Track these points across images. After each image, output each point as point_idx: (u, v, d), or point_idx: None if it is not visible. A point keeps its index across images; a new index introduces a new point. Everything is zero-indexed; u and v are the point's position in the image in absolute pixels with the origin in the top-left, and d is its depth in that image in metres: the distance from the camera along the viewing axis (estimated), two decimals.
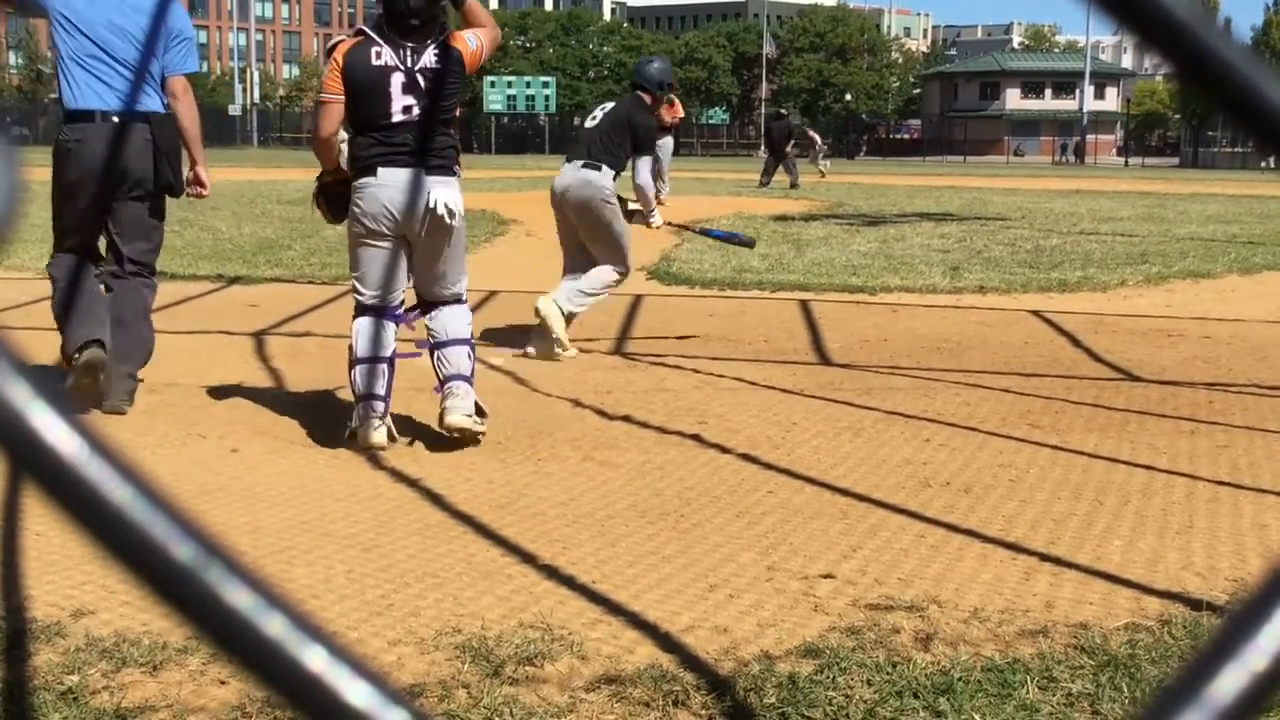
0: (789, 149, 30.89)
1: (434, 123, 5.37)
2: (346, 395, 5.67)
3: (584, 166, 7.78)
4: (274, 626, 0.40)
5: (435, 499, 4.67)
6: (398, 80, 5.31)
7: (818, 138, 34.70)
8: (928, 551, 4.11)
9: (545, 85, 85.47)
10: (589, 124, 7.98)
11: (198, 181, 6.08)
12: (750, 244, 9.22)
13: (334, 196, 5.60)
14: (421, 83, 5.33)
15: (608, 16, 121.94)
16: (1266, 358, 7.88)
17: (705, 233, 9.51)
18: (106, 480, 0.41)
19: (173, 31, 5.82)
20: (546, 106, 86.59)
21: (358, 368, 5.43)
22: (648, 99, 8.12)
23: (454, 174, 5.46)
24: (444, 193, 5.34)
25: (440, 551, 4.06)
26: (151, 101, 5.79)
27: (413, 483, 4.88)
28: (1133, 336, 8.72)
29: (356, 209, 5.40)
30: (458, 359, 5.52)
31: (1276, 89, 0.47)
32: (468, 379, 5.50)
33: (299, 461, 5.19)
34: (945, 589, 3.73)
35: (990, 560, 4.03)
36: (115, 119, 5.69)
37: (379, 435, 5.33)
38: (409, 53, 5.34)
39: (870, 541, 4.20)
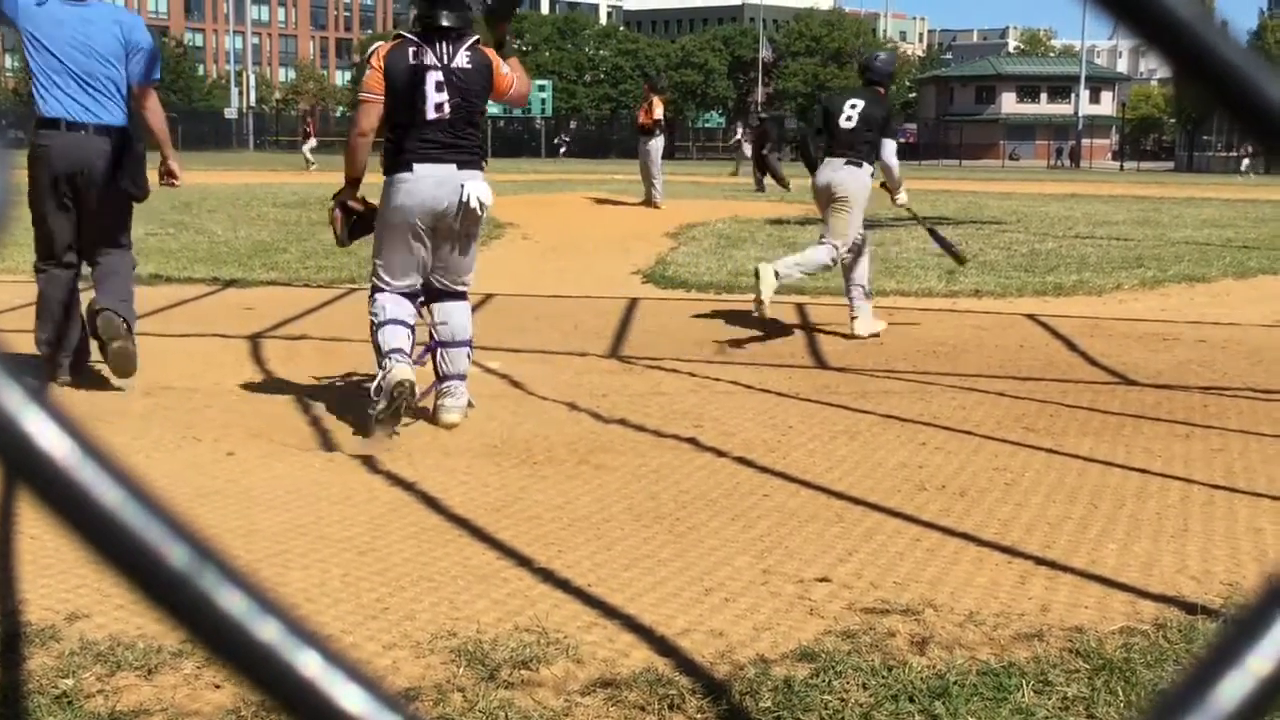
0: (765, 150, 30.89)
1: (464, 120, 5.64)
2: (343, 398, 5.66)
3: (847, 164, 8.51)
4: (268, 631, 0.39)
5: (431, 502, 4.66)
6: (433, 79, 5.57)
7: (738, 133, 34.82)
8: (923, 555, 4.11)
9: (541, 89, 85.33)
10: (845, 124, 8.58)
11: (170, 173, 6.58)
12: (961, 260, 9.79)
13: (356, 220, 5.89)
14: (455, 81, 5.59)
15: (604, 20, 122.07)
16: (1261, 361, 7.89)
17: (931, 232, 9.90)
18: (99, 484, 0.40)
19: (132, 44, 6.23)
20: (543, 110, 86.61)
21: (384, 328, 5.66)
22: (882, 90, 8.88)
23: (481, 169, 5.72)
24: (476, 186, 5.61)
25: (436, 555, 4.06)
26: (110, 114, 6.16)
27: (408, 486, 4.88)
28: (1128, 340, 8.72)
29: (393, 203, 5.64)
30: (459, 360, 5.87)
31: (1277, 87, 0.47)
32: (464, 377, 5.88)
33: (294, 465, 5.18)
34: (941, 592, 3.73)
35: (986, 564, 4.03)
36: (79, 128, 6.10)
37: (408, 370, 5.53)
38: (444, 50, 5.59)
39: (866, 545, 4.20)
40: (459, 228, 5.68)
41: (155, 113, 6.43)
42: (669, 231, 16.36)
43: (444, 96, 5.58)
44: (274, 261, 12.71)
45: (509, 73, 5.80)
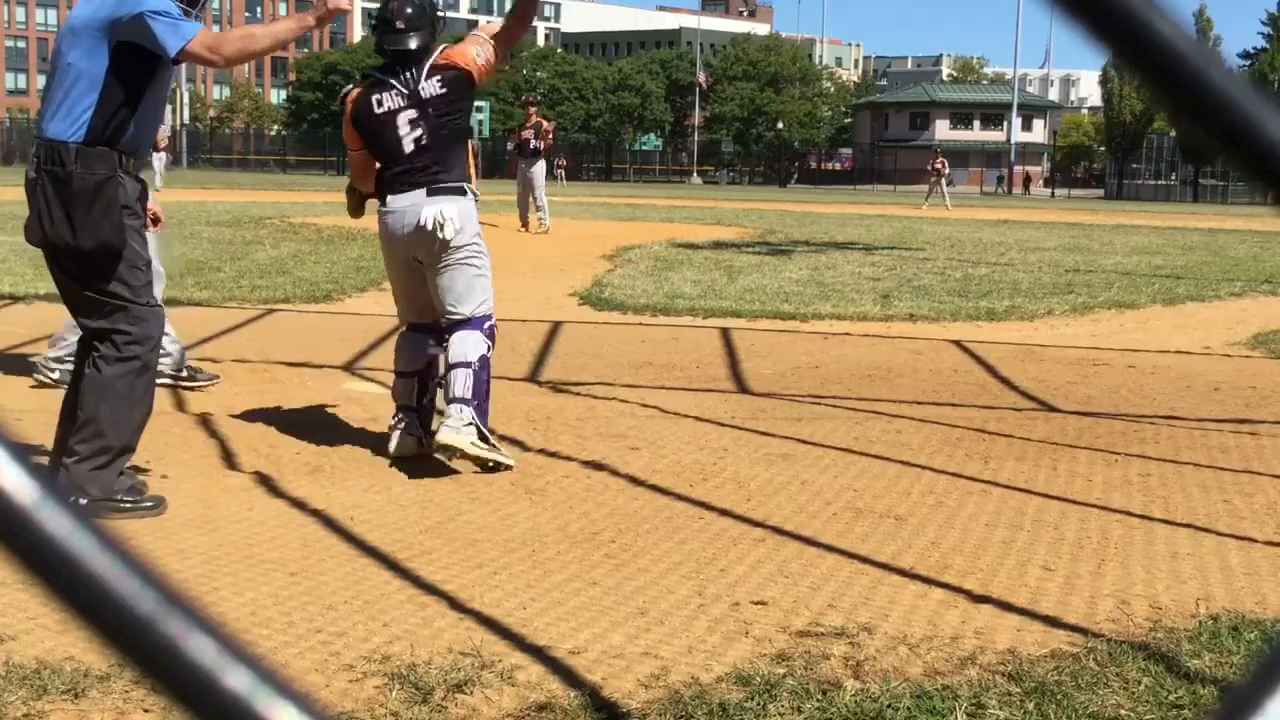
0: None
1: (444, 144, 5.46)
2: (275, 420, 5.60)
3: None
4: (201, 650, 0.39)
5: (365, 524, 4.63)
6: (405, 119, 5.41)
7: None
8: (858, 578, 4.13)
9: (479, 110, 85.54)
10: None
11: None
12: None
13: (363, 197, 5.79)
14: (428, 111, 5.42)
15: (541, 42, 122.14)
16: (1190, 388, 7.99)
17: None
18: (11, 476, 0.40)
19: (119, 17, 4.54)
20: (480, 131, 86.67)
21: (397, 380, 5.74)
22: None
23: (463, 192, 5.50)
24: (434, 209, 5.37)
25: (369, 576, 4.03)
26: (56, 127, 4.60)
27: (342, 507, 4.84)
28: (1059, 365, 8.81)
29: (381, 237, 5.64)
30: (455, 383, 5.40)
31: (1275, 123, 0.47)
32: (466, 401, 5.35)
33: (227, 486, 5.13)
34: (875, 616, 3.75)
35: (919, 587, 4.05)
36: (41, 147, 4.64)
37: (403, 445, 5.57)
38: (409, 79, 5.42)
39: (801, 568, 4.21)
40: (433, 257, 5.43)
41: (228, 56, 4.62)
42: (605, 254, 16.38)
43: (419, 131, 5.41)
44: (208, 280, 12.60)
45: (483, 58, 5.50)
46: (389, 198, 5.47)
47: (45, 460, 4.87)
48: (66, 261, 4.63)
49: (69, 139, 4.54)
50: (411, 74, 5.43)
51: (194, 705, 0.38)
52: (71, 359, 6.05)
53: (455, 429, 5.29)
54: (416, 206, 5.40)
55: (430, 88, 5.42)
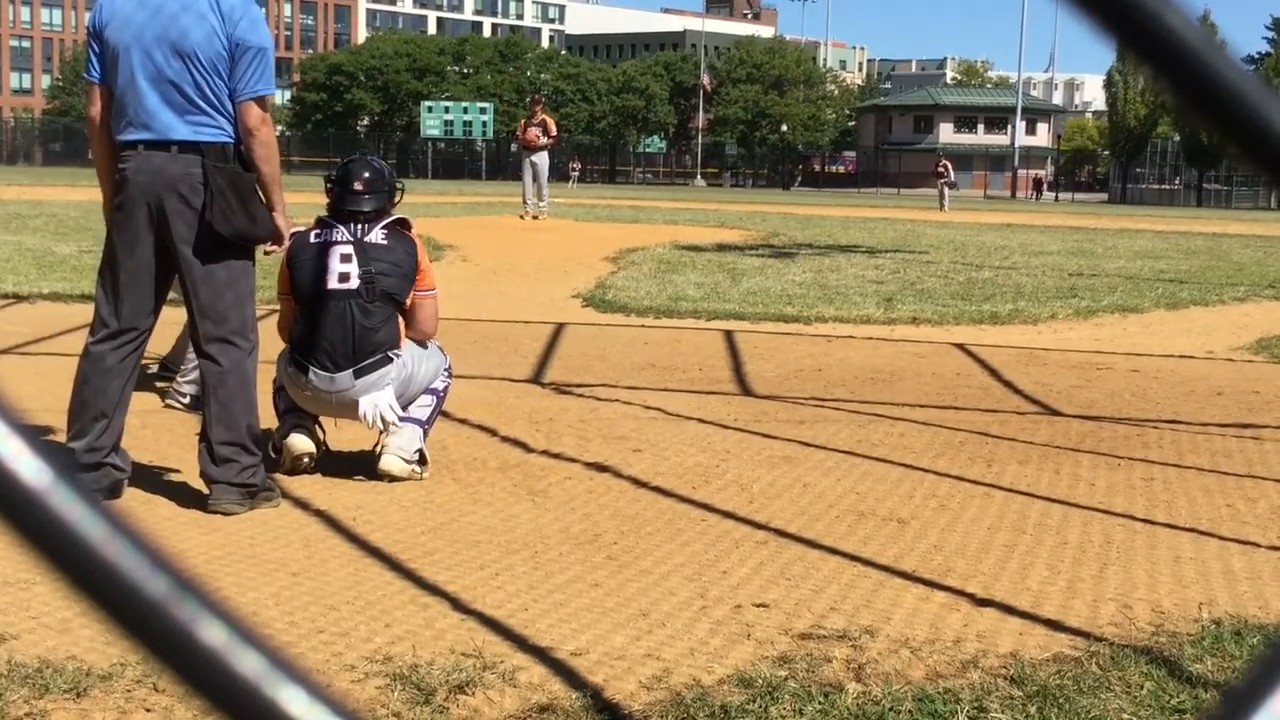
0: None
1: (369, 292, 5.29)
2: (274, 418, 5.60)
3: None
4: (214, 635, 0.39)
5: (367, 524, 4.63)
6: (337, 252, 5.30)
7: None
8: (861, 581, 4.13)
9: (483, 111, 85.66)
10: None
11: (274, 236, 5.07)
12: None
13: None
14: (365, 254, 5.30)
15: (545, 44, 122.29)
16: (1193, 393, 7.99)
17: None
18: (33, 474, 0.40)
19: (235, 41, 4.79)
20: (484, 133, 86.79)
21: (283, 391, 5.44)
22: None
23: (391, 360, 5.32)
24: (370, 403, 5.27)
25: (371, 577, 4.03)
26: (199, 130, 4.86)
27: (343, 507, 4.84)
28: (1063, 369, 8.81)
29: (288, 388, 5.41)
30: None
31: None
32: (416, 421, 5.38)
33: None
34: (877, 618, 3.75)
35: (922, 590, 4.05)
36: (162, 147, 4.80)
37: (307, 442, 5.31)
38: (358, 230, 5.34)
39: (803, 571, 4.21)
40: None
41: (262, 142, 4.81)
42: (608, 255, 16.38)
43: (349, 268, 5.27)
44: None
45: (429, 280, 5.50)
46: (311, 370, 5.25)
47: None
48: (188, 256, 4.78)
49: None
50: (361, 228, 5.34)
51: (205, 690, 0.38)
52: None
53: (398, 454, 5.27)
54: (347, 393, 5.26)
55: (375, 236, 5.33)
